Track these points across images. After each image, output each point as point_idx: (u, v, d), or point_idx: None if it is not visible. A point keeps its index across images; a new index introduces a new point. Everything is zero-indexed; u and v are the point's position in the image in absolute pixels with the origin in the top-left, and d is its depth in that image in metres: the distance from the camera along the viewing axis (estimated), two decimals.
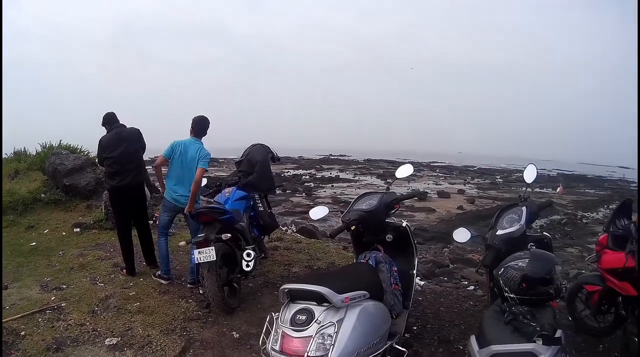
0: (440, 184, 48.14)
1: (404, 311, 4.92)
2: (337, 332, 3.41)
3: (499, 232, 4.69)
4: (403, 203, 5.53)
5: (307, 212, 5.81)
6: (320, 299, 3.51)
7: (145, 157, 7.59)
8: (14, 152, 15.99)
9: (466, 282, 8.17)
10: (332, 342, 3.35)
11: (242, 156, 7.38)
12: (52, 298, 6.40)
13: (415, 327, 5.84)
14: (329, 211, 5.55)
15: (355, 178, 50.79)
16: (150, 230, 7.61)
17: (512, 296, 3.65)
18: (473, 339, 3.39)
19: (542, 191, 47.14)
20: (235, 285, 6.34)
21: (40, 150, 14.71)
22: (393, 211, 5.33)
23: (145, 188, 7.74)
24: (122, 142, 7.05)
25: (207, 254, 5.74)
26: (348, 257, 8.68)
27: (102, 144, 7.09)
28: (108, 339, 5.36)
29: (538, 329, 3.20)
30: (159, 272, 7.07)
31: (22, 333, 5.41)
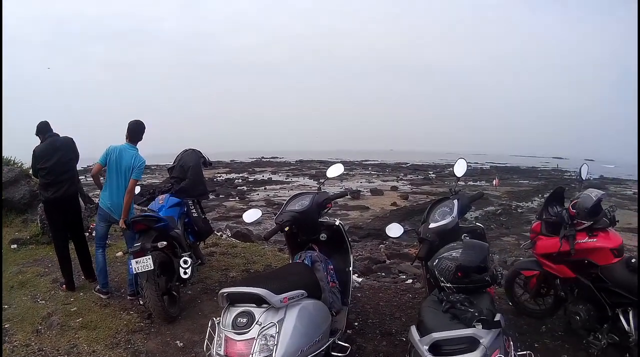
0: (373, 182, 48.68)
1: (343, 308, 4.98)
2: (278, 333, 3.43)
3: (432, 225, 4.76)
4: (336, 202, 5.59)
5: (242, 217, 5.81)
6: (259, 301, 3.51)
7: (78, 166, 7.43)
8: None
9: (404, 277, 8.29)
10: (275, 343, 3.38)
11: (174, 162, 7.32)
12: None
13: (356, 323, 5.90)
14: (262, 214, 5.56)
15: (287, 180, 50.98)
16: (87, 242, 7.41)
17: (448, 285, 3.72)
18: (413, 329, 3.42)
19: (475, 183, 48.16)
20: (175, 293, 6.27)
21: None
22: (326, 210, 5.40)
23: (80, 199, 7.53)
24: (56, 151, 6.84)
25: (144, 264, 5.66)
26: (284, 258, 8.69)
27: (36, 154, 6.87)
28: None
29: (476, 314, 3.26)
30: (98, 287, 6.85)
31: None
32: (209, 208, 22.49)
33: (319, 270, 4.67)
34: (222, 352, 3.41)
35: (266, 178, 51.54)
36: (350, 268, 5.42)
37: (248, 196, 36.49)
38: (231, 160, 78.09)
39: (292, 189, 39.27)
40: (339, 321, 4.70)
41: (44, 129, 7.03)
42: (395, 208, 29.36)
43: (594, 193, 5.04)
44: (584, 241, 4.96)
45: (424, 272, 4.95)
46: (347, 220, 25.11)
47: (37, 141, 7.06)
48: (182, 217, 7.11)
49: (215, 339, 3.52)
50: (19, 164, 13.01)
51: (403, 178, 54.95)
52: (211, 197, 29.56)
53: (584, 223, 4.99)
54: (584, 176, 5.86)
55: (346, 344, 4.37)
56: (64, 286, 7.09)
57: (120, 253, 6.23)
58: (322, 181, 5.93)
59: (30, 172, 8.21)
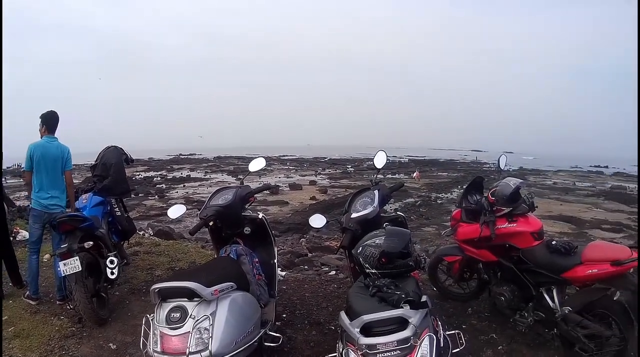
0: (292, 177, 48.67)
1: (271, 300, 5.09)
2: (212, 325, 3.49)
3: (354, 215, 4.89)
4: (256, 198, 5.68)
5: (162, 215, 5.81)
6: (190, 295, 3.55)
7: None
8: None
9: (327, 268, 8.40)
10: (210, 335, 3.44)
11: (96, 160, 7.20)
12: None
13: (285, 315, 6.00)
14: (186, 209, 5.61)
15: (206, 176, 50.32)
16: (12, 247, 7.17)
17: (373, 271, 3.86)
18: (343, 314, 3.51)
19: (394, 176, 48.92)
20: (104, 295, 6.17)
21: None
22: (248, 204, 5.48)
23: (3, 203, 7.31)
24: None
25: (72, 265, 5.57)
26: (207, 255, 8.73)
27: None
28: None
29: (403, 296, 3.38)
30: (28, 293, 6.60)
31: None
32: (129, 207, 22.15)
33: (244, 263, 4.76)
34: (158, 349, 3.43)
35: (185, 175, 50.68)
36: (275, 261, 5.53)
37: (167, 194, 35.89)
38: (149, 158, 76.48)
39: (211, 186, 38.88)
40: (268, 313, 4.81)
41: None
42: (314, 202, 29.43)
43: (512, 181, 5.31)
44: (504, 226, 5.25)
45: (349, 260, 5.11)
46: (267, 215, 24.36)
47: None
48: (106, 216, 6.99)
49: (151, 336, 3.52)
50: None
51: (321, 172, 55.20)
52: (132, 196, 29.20)
53: (504, 209, 5.27)
54: (502, 166, 6.15)
55: (277, 335, 4.46)
56: None
57: (47, 255, 6.13)
58: (243, 176, 6.01)
59: None
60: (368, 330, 3.27)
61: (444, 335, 3.83)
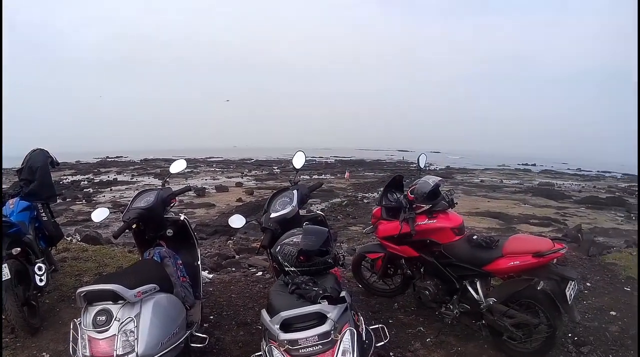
0: (218, 179, 48.59)
1: (196, 302, 5.12)
2: (137, 327, 3.53)
3: (273, 215, 4.94)
4: (182, 200, 5.73)
5: (90, 220, 5.76)
6: (115, 297, 3.55)
7: None
8: None
9: (254, 269, 8.42)
10: (136, 337, 3.48)
11: (22, 163, 7.08)
12: None
13: (212, 317, 6.05)
14: (110, 213, 5.59)
15: (133, 180, 49.79)
16: None
17: (292, 269, 3.93)
18: (264, 312, 3.60)
19: (321, 176, 49.41)
20: (34, 303, 6.01)
21: None
22: (170, 206, 5.48)
23: None
24: None
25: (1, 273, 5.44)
26: (134, 259, 8.61)
27: None
28: None
29: (321, 292, 3.47)
30: None
31: None
32: (56, 213, 21.80)
33: (168, 265, 4.79)
34: (87, 354, 3.44)
35: (112, 179, 50.04)
36: (199, 262, 5.57)
37: (95, 198, 35.35)
38: (77, 161, 74.69)
39: (137, 189, 38.51)
40: (194, 314, 4.85)
41: None
42: (240, 204, 29.44)
43: (431, 179, 5.51)
44: (424, 222, 5.42)
45: (270, 260, 5.16)
46: (194, 217, 25.10)
47: None
48: (33, 222, 6.75)
49: (79, 340, 3.53)
50: None
51: (247, 174, 55.38)
52: (58, 200, 28.54)
53: (423, 206, 5.44)
54: (422, 165, 6.34)
55: (204, 336, 4.49)
56: None
57: None
58: (166, 177, 5.97)
59: None
60: (288, 326, 3.35)
61: (366, 329, 3.95)
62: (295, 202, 5.06)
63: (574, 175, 76.52)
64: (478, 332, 5.48)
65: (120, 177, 51.53)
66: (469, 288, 5.33)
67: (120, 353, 3.40)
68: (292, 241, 4.03)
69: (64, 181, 46.89)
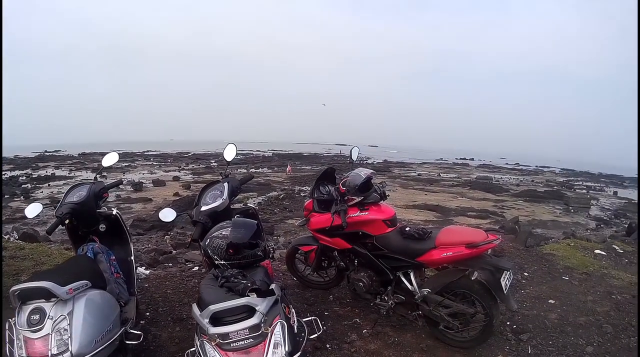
0: (156, 173, 48.07)
1: (131, 298, 5.06)
2: (70, 325, 3.46)
3: (203, 208, 4.90)
4: (119, 195, 5.69)
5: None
6: (47, 295, 3.49)
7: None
8: None
9: (191, 264, 8.39)
10: (69, 336, 3.41)
11: None
12: None
13: (148, 313, 5.98)
14: (43, 208, 5.49)
15: (71, 174, 48.72)
16: None
17: (222, 262, 3.94)
18: (194, 306, 3.56)
19: (258, 170, 49.21)
20: None
21: None
22: (103, 200, 5.39)
23: None
24: None
25: None
26: (71, 256, 8.44)
27: None
28: None
29: (249, 285, 3.48)
30: None
31: None
32: None
33: (102, 261, 4.72)
34: (23, 354, 3.37)
35: (50, 174, 48.83)
36: (132, 258, 5.50)
37: (33, 194, 34.47)
38: (15, 156, 72.89)
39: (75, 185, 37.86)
40: (128, 311, 4.78)
41: None
42: (177, 198, 29.19)
43: (363, 172, 5.53)
44: (356, 214, 5.44)
45: (202, 254, 5.24)
46: (131, 212, 24.91)
47: None
48: None
49: (15, 341, 3.44)
50: None
51: (185, 168, 55.00)
52: None
53: (355, 199, 5.47)
54: (354, 158, 6.42)
55: (138, 332, 4.40)
56: None
57: None
58: (100, 171, 5.97)
59: None
60: (219, 320, 3.35)
61: (299, 322, 3.98)
62: (226, 195, 5.06)
63: (512, 170, 78.35)
64: (414, 323, 5.55)
65: (58, 172, 50.42)
66: (403, 279, 5.40)
67: (55, 352, 3.35)
68: (221, 233, 4.04)
69: (2, 176, 45.79)
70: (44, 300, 3.53)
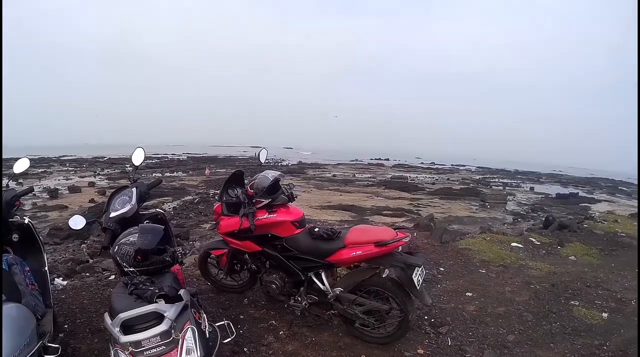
0: (71, 179, 46.83)
1: (47, 311, 4.86)
2: None
3: (112, 214, 4.87)
4: (35, 203, 5.50)
5: None
6: None
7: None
8: None
9: (108, 273, 8.26)
10: None
11: None
12: None
13: (66, 326, 5.86)
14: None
15: None
16: None
17: (131, 269, 3.93)
18: (106, 315, 3.57)
19: (173, 174, 48.72)
20: None
21: None
22: (15, 209, 5.22)
23: None
24: None
25: None
26: None
27: None
28: None
29: (156, 291, 3.52)
30: None
31: None
32: None
33: (16, 273, 4.54)
34: None
35: None
36: (47, 268, 5.33)
37: None
38: None
39: None
40: (45, 324, 4.59)
41: None
42: (93, 205, 28.53)
43: (270, 174, 5.61)
44: (264, 217, 5.50)
45: (114, 261, 5.17)
46: (47, 221, 24.03)
47: None
48: None
49: None
50: None
51: (100, 173, 53.47)
52: None
53: (263, 201, 5.53)
54: (262, 160, 6.55)
55: (56, 346, 4.19)
56: None
57: None
58: (9, 178, 5.65)
59: None
60: (130, 328, 3.37)
61: (212, 326, 4.04)
62: (134, 201, 5.03)
63: (428, 169, 79.68)
64: (330, 322, 5.70)
65: None
66: (315, 279, 5.49)
67: None
68: (129, 240, 4.01)
69: None
70: None
